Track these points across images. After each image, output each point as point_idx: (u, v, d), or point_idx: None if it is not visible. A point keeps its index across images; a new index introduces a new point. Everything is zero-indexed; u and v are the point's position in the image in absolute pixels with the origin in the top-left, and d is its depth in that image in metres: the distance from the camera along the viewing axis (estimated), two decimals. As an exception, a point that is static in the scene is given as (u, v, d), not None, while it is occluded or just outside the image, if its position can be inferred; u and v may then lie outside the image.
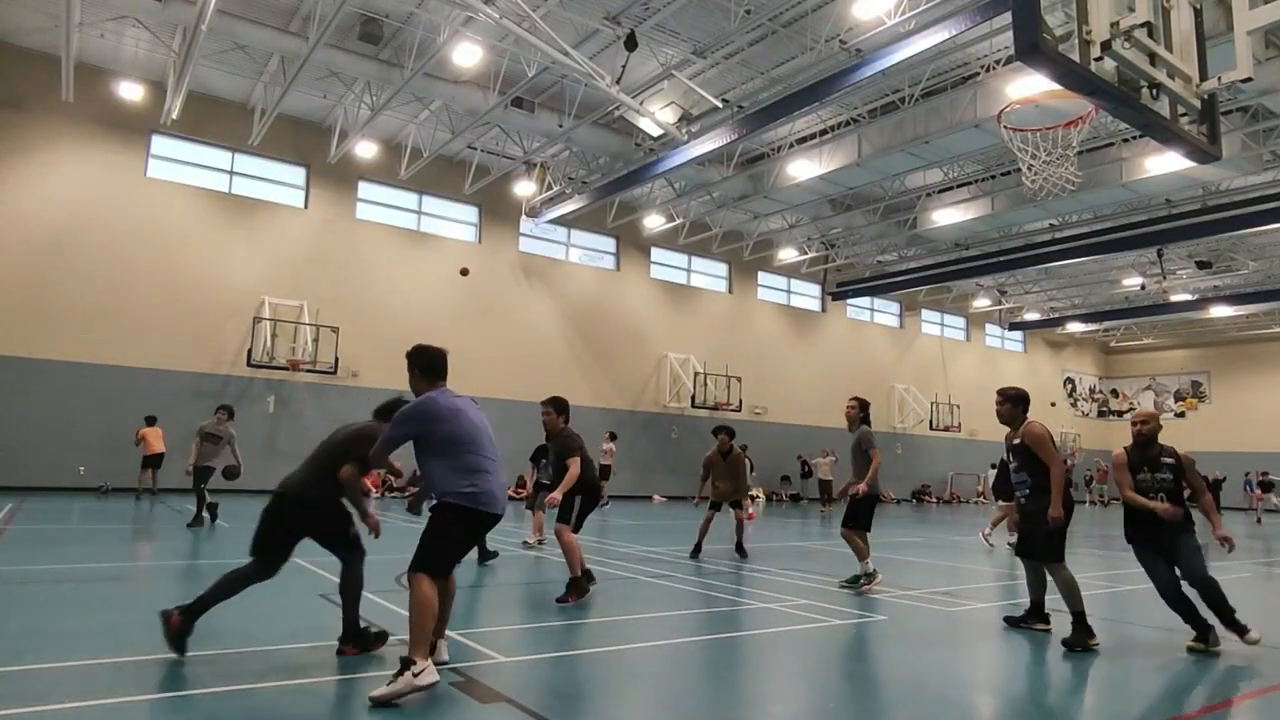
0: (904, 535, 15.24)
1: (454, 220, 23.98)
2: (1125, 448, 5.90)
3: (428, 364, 4.56)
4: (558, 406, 7.29)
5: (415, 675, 3.90)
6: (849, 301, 32.21)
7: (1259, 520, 26.13)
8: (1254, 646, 5.46)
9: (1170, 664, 5.51)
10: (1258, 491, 28.11)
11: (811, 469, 27.45)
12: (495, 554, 8.91)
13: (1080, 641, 5.51)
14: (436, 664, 4.15)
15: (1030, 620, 6.18)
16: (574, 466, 6.89)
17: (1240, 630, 5.51)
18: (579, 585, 6.67)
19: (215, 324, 19.81)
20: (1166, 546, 5.60)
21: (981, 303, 35.50)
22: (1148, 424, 5.79)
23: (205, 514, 11.70)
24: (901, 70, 15.89)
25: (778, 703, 4.32)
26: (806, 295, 32.12)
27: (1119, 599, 8.28)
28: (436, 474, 4.34)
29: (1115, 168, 20.60)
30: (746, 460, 12.09)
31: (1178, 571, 5.55)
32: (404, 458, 4.74)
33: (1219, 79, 5.98)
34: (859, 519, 8.03)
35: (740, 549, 10.47)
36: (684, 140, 17.92)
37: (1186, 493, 5.67)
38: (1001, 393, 6.27)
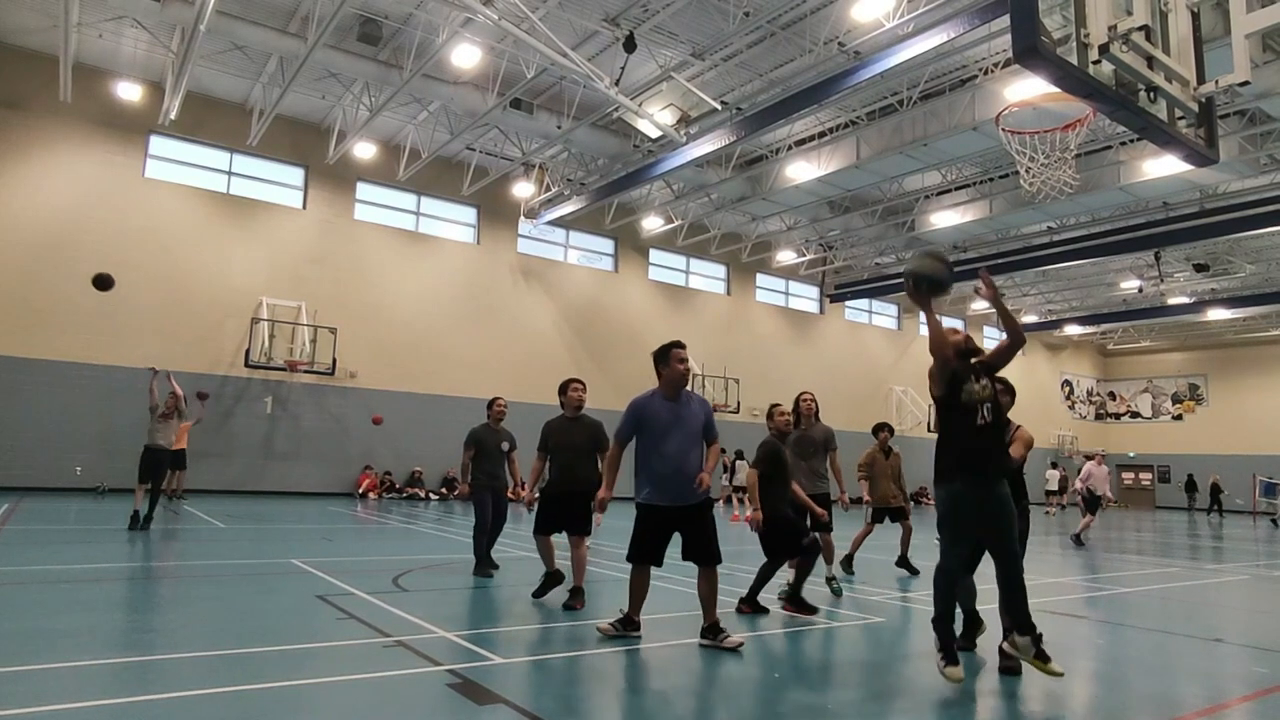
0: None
1: (452, 221, 23.98)
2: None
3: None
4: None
5: (630, 632, 5.47)
6: (847, 303, 32.26)
7: (1275, 522, 26.39)
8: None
9: (1169, 665, 5.53)
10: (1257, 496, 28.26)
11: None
12: (496, 566, 8.59)
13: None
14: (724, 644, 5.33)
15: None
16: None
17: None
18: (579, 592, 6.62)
19: (213, 324, 19.80)
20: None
21: (980, 305, 35.51)
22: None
23: (160, 508, 11.48)
24: (900, 73, 15.91)
25: (777, 704, 4.32)
26: (805, 297, 32.16)
27: (1118, 600, 8.30)
28: None
29: (1113, 170, 20.65)
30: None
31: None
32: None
33: (1216, 82, 5.99)
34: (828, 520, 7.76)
35: (906, 563, 9.55)
36: (683, 142, 17.94)
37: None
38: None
